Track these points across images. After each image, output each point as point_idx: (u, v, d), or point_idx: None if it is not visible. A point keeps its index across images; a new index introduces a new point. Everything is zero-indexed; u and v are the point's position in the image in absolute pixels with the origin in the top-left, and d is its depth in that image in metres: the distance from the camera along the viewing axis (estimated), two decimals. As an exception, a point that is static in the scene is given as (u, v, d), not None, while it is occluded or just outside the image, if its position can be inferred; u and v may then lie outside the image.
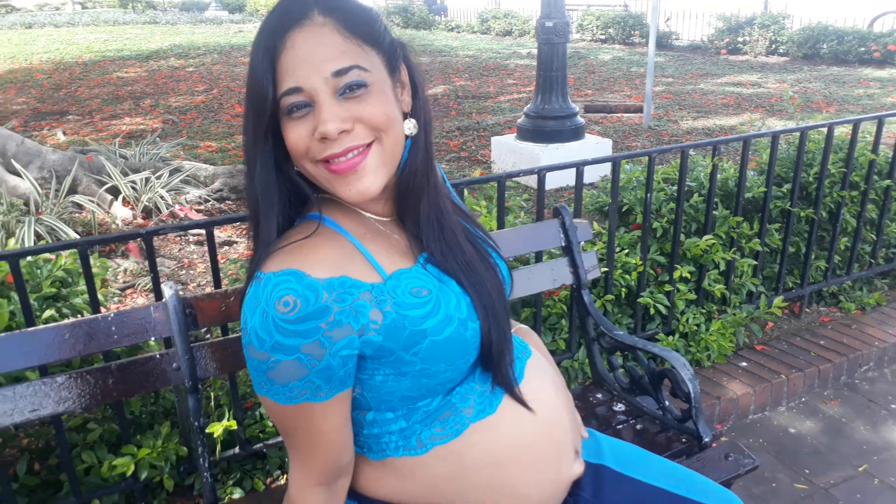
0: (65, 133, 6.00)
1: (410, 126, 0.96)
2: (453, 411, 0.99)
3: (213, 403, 1.96)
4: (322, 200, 0.97)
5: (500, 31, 15.78)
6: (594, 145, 4.92)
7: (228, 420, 1.83)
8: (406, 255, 0.98)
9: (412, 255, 0.98)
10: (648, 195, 2.41)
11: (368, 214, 0.99)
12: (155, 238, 1.81)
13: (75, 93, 8.14)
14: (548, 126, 4.84)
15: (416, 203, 0.98)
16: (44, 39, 13.54)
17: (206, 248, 3.26)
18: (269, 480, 1.95)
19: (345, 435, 0.95)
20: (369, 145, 0.89)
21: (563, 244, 1.95)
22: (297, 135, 0.87)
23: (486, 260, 1.05)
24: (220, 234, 3.48)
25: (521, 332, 1.27)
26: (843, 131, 3.11)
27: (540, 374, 1.10)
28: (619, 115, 7.17)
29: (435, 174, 1.01)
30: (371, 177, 0.90)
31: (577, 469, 1.12)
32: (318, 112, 0.86)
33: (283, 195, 0.94)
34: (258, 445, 1.90)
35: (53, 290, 1.79)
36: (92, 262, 2.02)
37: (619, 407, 1.86)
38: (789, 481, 2.19)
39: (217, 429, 1.80)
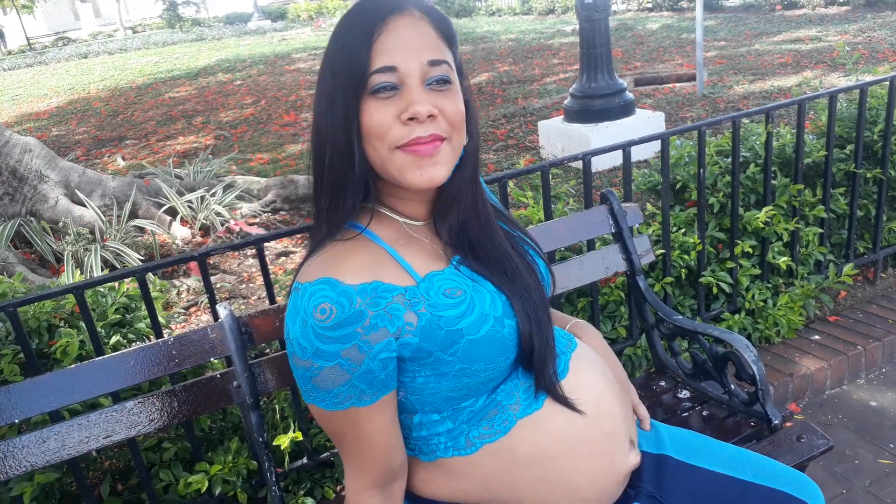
0: (123, 158, 6.25)
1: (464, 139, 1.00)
2: (499, 409, 1.00)
3: (278, 416, 2.00)
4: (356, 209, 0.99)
5: (542, 10, 15.53)
6: (646, 120, 4.79)
7: (294, 431, 1.87)
8: (439, 257, 0.99)
9: (445, 257, 1.00)
10: (702, 170, 2.33)
11: (402, 219, 1.00)
12: (213, 256, 1.86)
13: (131, 117, 8.45)
14: (595, 105, 4.74)
15: (458, 207, 1.01)
16: (99, 68, 14.12)
17: (263, 259, 3.34)
18: (338, 488, 1.99)
19: (394, 438, 0.97)
20: (443, 140, 0.92)
21: (614, 230, 1.91)
22: (381, 114, 0.89)
23: (524, 260, 1.05)
24: (276, 245, 3.55)
25: (576, 326, 1.26)
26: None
27: (585, 366, 1.08)
28: (671, 85, 6.95)
29: (479, 182, 1.05)
30: (442, 167, 0.92)
31: (633, 460, 1.10)
32: (408, 94, 0.89)
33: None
34: (325, 454, 1.93)
35: (118, 316, 1.87)
36: (152, 286, 2.10)
37: (684, 393, 1.81)
38: (872, 457, 2.09)
39: (283, 441, 1.84)
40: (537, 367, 0.99)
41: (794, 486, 1.14)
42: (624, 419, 1.09)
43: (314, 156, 0.98)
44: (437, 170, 0.92)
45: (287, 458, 1.89)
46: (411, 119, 0.89)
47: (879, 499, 1.95)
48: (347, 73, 0.90)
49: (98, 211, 3.71)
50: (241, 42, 16.31)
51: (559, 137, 4.90)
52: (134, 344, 1.92)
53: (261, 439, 1.53)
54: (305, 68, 10.60)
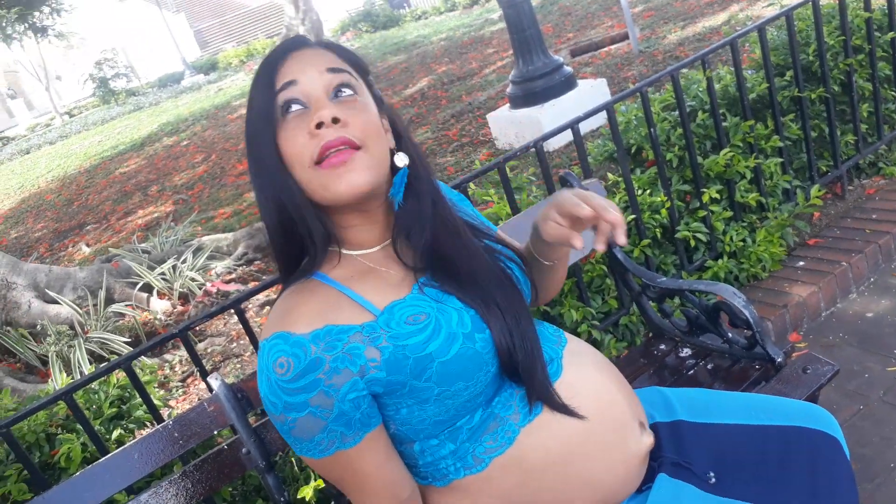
0: (87, 245, 6.17)
1: (402, 158, 1.00)
2: (499, 421, 0.99)
3: (297, 468, 1.98)
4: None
5: (466, 3, 15.61)
6: (590, 89, 4.82)
7: (316, 480, 1.85)
8: (400, 285, 0.97)
9: (407, 283, 0.98)
10: (652, 129, 2.35)
11: (356, 252, 0.99)
12: (195, 326, 1.84)
13: (87, 202, 8.35)
14: (537, 86, 4.76)
15: (422, 228, 0.99)
16: (44, 160, 13.93)
17: (249, 316, 3.31)
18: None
19: (393, 472, 0.96)
20: (358, 148, 0.92)
21: (580, 210, 1.92)
22: (294, 136, 0.91)
23: (501, 270, 1.04)
24: (258, 296, 3.53)
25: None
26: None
27: (579, 360, 1.07)
28: (606, 49, 7.01)
29: (439, 195, 1.04)
30: (360, 172, 0.91)
31: (647, 441, 1.09)
32: (315, 107, 0.92)
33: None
34: (351, 495, 1.92)
35: (114, 409, 1.84)
36: (142, 371, 2.07)
37: (686, 352, 1.83)
38: (881, 367, 2.12)
39: (308, 492, 1.83)
40: (525, 379, 0.98)
41: (808, 419, 1.15)
42: (629, 405, 1.08)
43: (262, 215, 1.00)
44: (355, 175, 0.91)
45: (315, 508, 1.87)
46: (318, 127, 0.90)
47: (892, 404, 1.97)
48: (260, 106, 0.93)
49: (73, 305, 3.66)
50: (179, 102, 16.20)
51: (510, 125, 4.92)
52: (136, 433, 1.89)
53: (282, 499, 1.52)
54: (248, 113, 10.54)
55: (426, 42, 12.10)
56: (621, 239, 0.96)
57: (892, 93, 2.95)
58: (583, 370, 1.06)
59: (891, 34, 2.83)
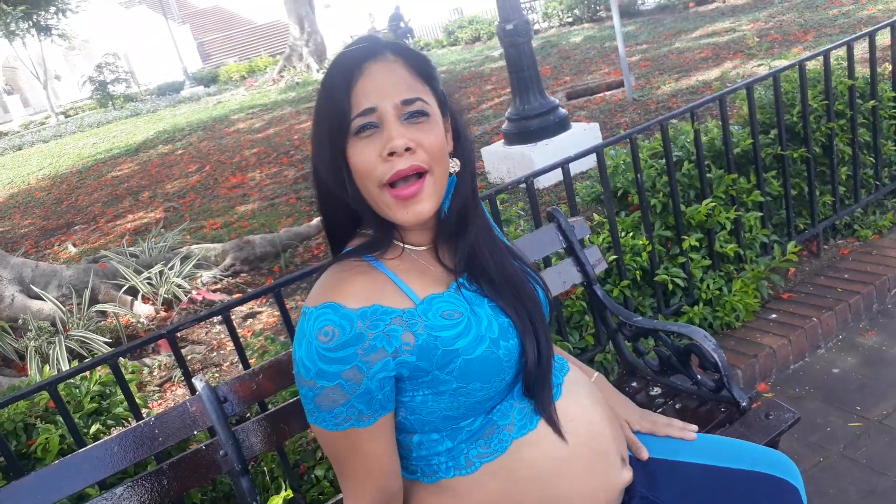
0: (74, 245, 6.16)
1: (454, 164, 1.07)
2: (495, 429, 1.04)
3: (268, 478, 2.01)
4: (359, 235, 1.09)
5: (468, 39, 15.91)
6: (582, 132, 4.95)
7: (286, 490, 1.88)
8: (440, 281, 1.05)
9: (446, 281, 1.05)
10: (639, 175, 2.44)
11: (405, 245, 1.07)
12: (180, 330, 1.88)
13: (76, 202, 8.34)
14: (532, 125, 4.88)
15: (463, 232, 1.08)
16: (36, 157, 13.90)
17: (231, 325, 3.33)
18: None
19: (391, 462, 1.01)
20: (424, 174, 0.99)
21: (564, 246, 1.99)
22: (366, 155, 0.97)
23: (526, 285, 1.11)
24: (242, 308, 3.55)
25: (598, 380, 1.36)
26: (818, 63, 3.11)
27: (577, 388, 1.14)
28: (601, 94, 7.19)
29: (480, 205, 1.13)
30: (427, 202, 0.99)
31: (626, 476, 1.15)
32: (386, 130, 0.97)
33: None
34: (320, 508, 1.94)
35: (94, 405, 1.86)
36: (124, 369, 2.10)
37: (656, 390, 1.88)
38: (842, 422, 2.19)
39: (277, 502, 1.85)
40: (537, 389, 1.05)
41: (771, 466, 1.20)
42: (614, 439, 1.14)
43: (316, 195, 1.08)
44: (422, 206, 0.99)
45: (283, 519, 1.89)
46: (391, 154, 0.96)
47: (854, 460, 2.04)
48: (332, 119, 0.98)
49: (56, 302, 3.67)
50: (177, 111, 16.26)
51: (503, 161, 5.03)
52: (114, 430, 1.91)
53: (254, 503, 1.55)
54: (245, 128, 10.62)
55: (427, 73, 12.27)
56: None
57: (871, 159, 3.08)
58: (579, 399, 1.12)
59: (872, 102, 2.97)
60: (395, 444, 1.03)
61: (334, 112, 0.98)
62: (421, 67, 1.03)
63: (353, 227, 1.10)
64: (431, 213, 1.00)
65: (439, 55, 15.05)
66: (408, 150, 0.97)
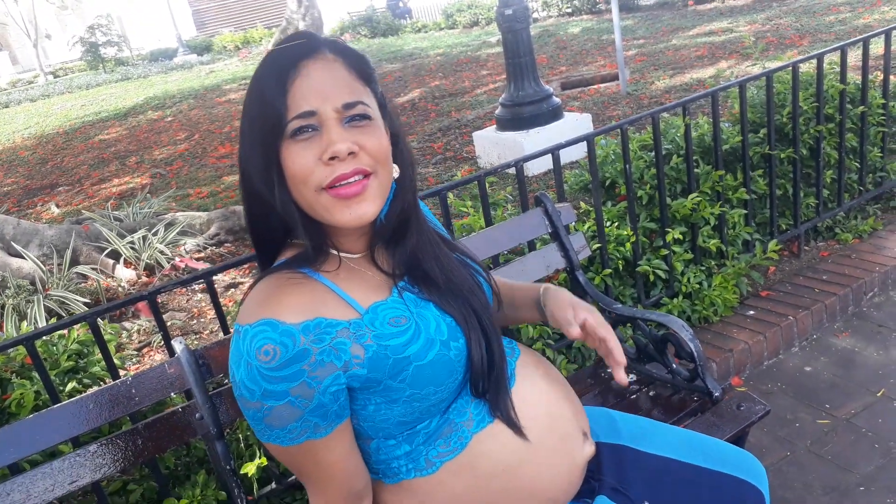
0: (58, 206, 6.10)
1: (395, 170, 1.02)
2: (453, 427, 1.02)
3: (242, 445, 2.02)
4: (291, 246, 1.03)
5: (466, 23, 15.80)
6: (574, 122, 4.96)
7: (260, 458, 1.89)
8: (381, 287, 1.01)
9: (387, 286, 1.02)
10: (627, 166, 2.45)
11: (341, 253, 1.02)
12: (161, 294, 1.88)
13: (61, 163, 8.24)
14: (525, 112, 4.88)
15: (403, 237, 1.04)
16: (22, 116, 13.68)
17: (212, 293, 3.33)
18: (309, 508, 2.01)
19: (354, 462, 0.99)
20: (369, 175, 0.93)
21: (550, 231, 2.01)
22: (303, 158, 0.90)
23: (470, 282, 1.09)
24: (224, 277, 3.54)
25: (547, 292, 1.27)
26: (811, 66, 3.14)
27: (531, 371, 1.12)
28: (596, 86, 7.19)
29: (419, 209, 1.08)
30: (370, 203, 0.94)
31: (588, 450, 1.15)
32: (327, 134, 0.91)
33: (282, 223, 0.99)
34: (293, 478, 1.95)
35: (71, 363, 1.86)
36: (103, 330, 2.09)
37: (631, 378, 1.91)
38: (811, 419, 2.23)
39: (250, 468, 1.86)
40: (490, 389, 1.03)
41: (739, 468, 1.22)
42: (574, 416, 1.14)
43: (243, 200, 1.01)
44: (365, 206, 0.93)
45: (256, 486, 1.90)
46: (332, 159, 0.90)
47: (820, 456, 2.08)
48: (265, 120, 0.92)
49: (37, 261, 3.63)
50: (169, 78, 16.05)
51: (494, 146, 5.03)
52: (90, 389, 1.91)
53: (228, 467, 1.56)
54: (236, 99, 10.52)
55: (423, 55, 12.23)
56: (619, 377, 1.13)
57: (856, 164, 3.12)
58: (533, 382, 1.11)
59: (861, 108, 3.00)
60: (355, 444, 1.00)
61: (268, 113, 0.91)
62: (361, 68, 0.97)
63: (286, 236, 1.03)
64: (374, 215, 0.95)
65: (436, 38, 14.96)
66: (351, 154, 0.92)
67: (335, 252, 1.01)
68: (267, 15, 27.67)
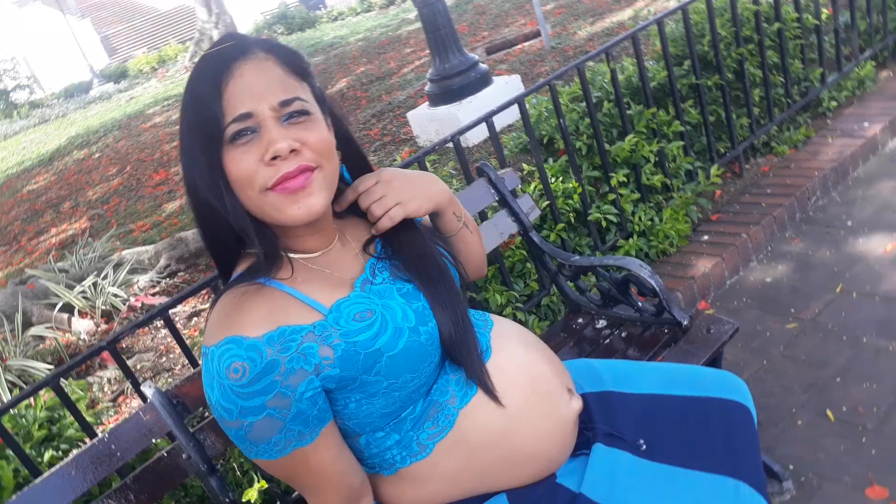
0: (-1, 267, 5.88)
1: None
2: (438, 407, 1.03)
3: (238, 472, 2.00)
4: (245, 256, 1.01)
5: (382, 4, 15.59)
6: (504, 86, 4.94)
7: (259, 482, 1.88)
8: (343, 284, 1.00)
9: (349, 282, 1.01)
10: (561, 121, 2.47)
11: (296, 256, 1.01)
12: (123, 340, 1.83)
13: (-7, 223, 7.93)
14: (455, 84, 4.84)
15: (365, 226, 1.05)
16: (-58, 180, 13.09)
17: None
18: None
19: (346, 462, 0.99)
20: (313, 170, 0.92)
21: (497, 198, 2.01)
22: (245, 162, 0.90)
23: (436, 259, 1.09)
24: (184, 308, 3.48)
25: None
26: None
27: (505, 340, 1.13)
28: (520, 46, 7.18)
29: None
30: (317, 196, 0.93)
31: (576, 405, 1.16)
32: (267, 134, 0.90)
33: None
34: (295, 493, 1.95)
35: (44, 431, 1.81)
36: (70, 390, 2.04)
37: (602, 323, 1.94)
38: (780, 326, 2.31)
39: (252, 494, 1.85)
40: (465, 364, 1.03)
41: (721, 388, 1.24)
42: (555, 374, 1.15)
43: (193, 213, 0.99)
44: (313, 199, 0.93)
45: (259, 509, 1.89)
46: (274, 159, 0.90)
47: (794, 359, 2.16)
48: (203, 128, 0.90)
49: (-13, 331, 3.50)
50: (89, 113, 15.50)
51: (430, 122, 5.00)
52: (70, 454, 1.87)
53: (227, 500, 1.54)
54: (162, 122, 10.23)
55: (343, 43, 12.03)
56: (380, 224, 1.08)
57: (781, 79, 3.19)
58: (510, 350, 1.12)
59: (777, 24, 3.07)
60: (344, 443, 1.00)
61: (205, 120, 0.90)
62: (295, 63, 0.96)
63: (239, 246, 1.02)
64: (323, 208, 0.94)
65: (354, 23, 14.73)
66: (293, 151, 0.91)
67: (290, 255, 1.00)
68: (178, 30, 26.87)
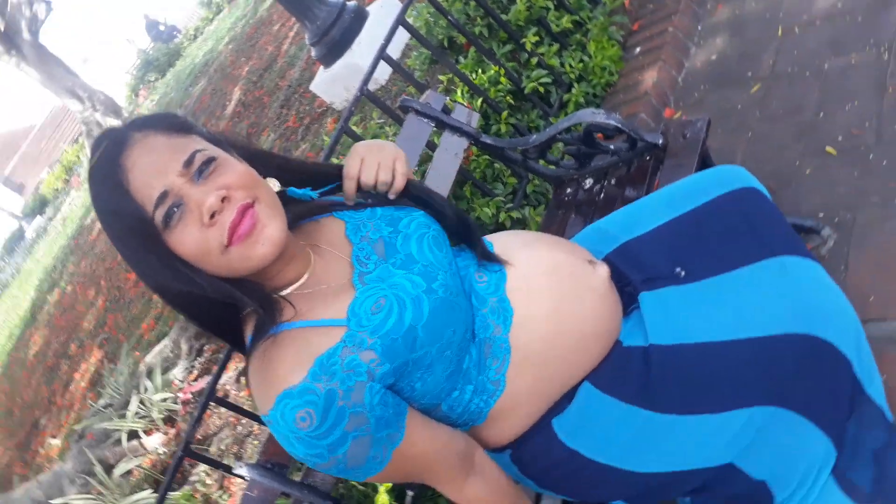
0: (53, 437, 5.94)
1: (274, 184, 1.02)
2: (489, 342, 1.06)
3: (360, 486, 2.07)
4: (246, 318, 1.02)
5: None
6: (383, 11, 4.71)
7: (382, 485, 1.95)
8: (343, 290, 1.01)
9: (348, 285, 1.01)
10: (449, 17, 2.40)
11: (288, 291, 1.01)
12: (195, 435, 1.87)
13: (24, 401, 7.96)
14: (335, 35, 4.65)
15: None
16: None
17: None
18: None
19: (441, 436, 1.02)
20: (253, 204, 0.92)
21: (434, 125, 1.98)
22: (190, 236, 0.89)
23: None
24: (229, 374, 3.52)
25: None
26: None
27: (510, 252, 1.15)
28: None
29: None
30: (272, 225, 0.93)
31: (602, 272, 1.17)
32: (191, 200, 0.89)
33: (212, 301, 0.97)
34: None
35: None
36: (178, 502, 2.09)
37: (589, 182, 1.95)
38: (745, 93, 2.29)
39: (381, 499, 1.93)
40: (475, 237, 1.13)
41: (722, 183, 1.22)
42: (569, 254, 1.16)
43: (175, 309, 1.00)
44: (269, 230, 0.92)
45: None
46: (212, 217, 0.89)
47: (773, 118, 2.15)
48: (133, 231, 0.89)
49: (82, 497, 3.58)
50: (37, 256, 15.28)
51: (334, 84, 4.85)
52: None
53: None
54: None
55: (216, 54, 11.61)
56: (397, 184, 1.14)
57: None
58: (519, 259, 1.13)
59: None
60: (431, 420, 1.02)
61: (130, 224, 0.89)
62: (174, 124, 0.95)
63: (232, 311, 1.02)
64: (283, 233, 0.94)
65: (213, 31, 14.15)
66: (224, 200, 0.90)
67: (281, 296, 1.00)
68: (65, 132, 26.02)
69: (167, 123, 0.95)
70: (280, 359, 0.92)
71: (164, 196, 0.88)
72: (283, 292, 1.00)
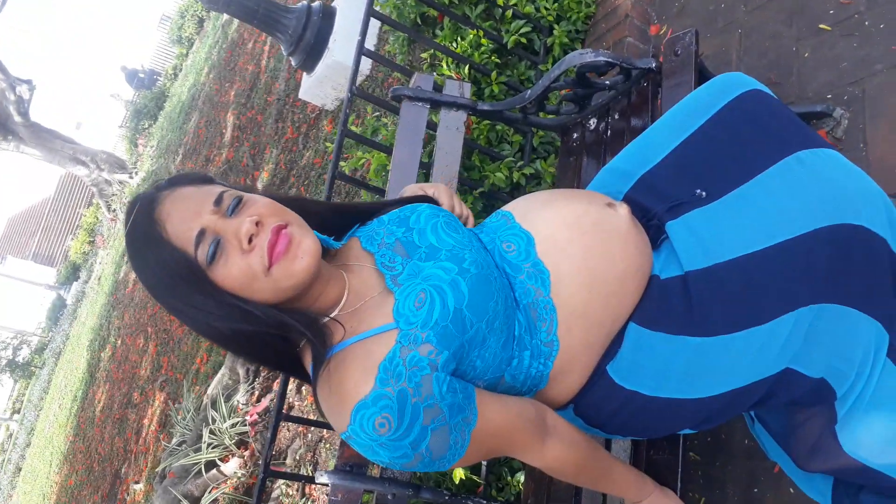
0: (136, 482, 6.15)
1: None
2: (533, 305, 1.08)
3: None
4: (302, 351, 1.05)
5: (195, 30, 15.00)
6: (349, 4, 4.74)
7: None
8: (383, 297, 1.03)
9: (385, 292, 1.03)
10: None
11: (334, 314, 1.02)
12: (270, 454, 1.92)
13: (101, 455, 8.23)
14: (309, 39, 4.62)
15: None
16: (36, 463, 13.56)
17: None
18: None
19: (512, 407, 1.05)
20: (285, 226, 0.95)
21: (429, 107, 1.97)
22: (234, 266, 0.92)
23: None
24: (291, 387, 3.59)
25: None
26: None
27: (530, 219, 1.15)
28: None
29: (355, 205, 1.16)
30: (307, 240, 0.96)
31: (623, 211, 1.17)
32: (228, 231, 0.93)
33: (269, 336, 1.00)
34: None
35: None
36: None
37: (592, 122, 1.94)
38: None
39: (459, 473, 1.97)
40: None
41: (723, 93, 1.19)
42: (587, 202, 1.17)
43: (230, 352, 1.04)
44: (305, 244, 0.95)
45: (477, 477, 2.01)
46: (250, 241, 0.92)
47: (760, 4, 2.10)
48: (181, 275, 0.92)
49: None
50: (81, 319, 15.67)
51: (321, 85, 4.85)
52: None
53: (447, 495, 1.65)
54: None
55: (199, 86, 11.67)
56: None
57: None
58: (541, 220, 1.14)
59: None
60: (500, 396, 1.05)
61: (176, 269, 0.92)
62: (198, 178, 1.01)
63: (288, 346, 1.04)
64: (319, 249, 0.97)
65: (191, 64, 14.21)
66: (258, 224, 0.94)
67: (329, 318, 1.02)
68: (77, 198, 26.52)
69: (191, 178, 1.00)
70: (345, 376, 0.95)
71: (202, 233, 0.92)
72: (331, 316, 1.03)
